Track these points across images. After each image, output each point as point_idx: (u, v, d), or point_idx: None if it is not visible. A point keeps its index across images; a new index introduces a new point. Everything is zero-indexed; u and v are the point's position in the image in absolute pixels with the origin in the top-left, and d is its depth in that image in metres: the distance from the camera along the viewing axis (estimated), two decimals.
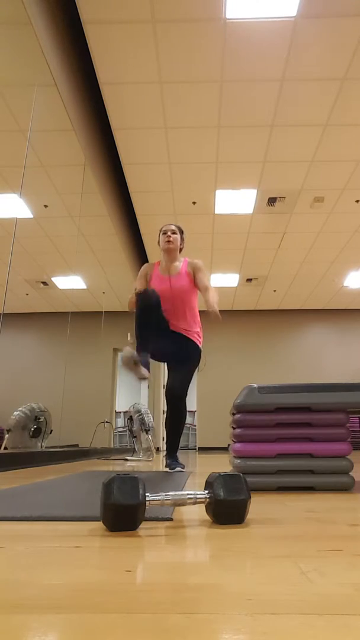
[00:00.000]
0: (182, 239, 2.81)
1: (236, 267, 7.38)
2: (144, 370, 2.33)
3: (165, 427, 2.65)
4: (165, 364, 2.84)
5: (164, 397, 8.68)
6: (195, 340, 2.67)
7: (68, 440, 8.28)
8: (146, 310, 2.41)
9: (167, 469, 2.52)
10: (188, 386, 2.62)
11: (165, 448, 2.72)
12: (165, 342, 2.61)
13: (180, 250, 2.81)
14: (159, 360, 2.74)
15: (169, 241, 2.71)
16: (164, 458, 2.71)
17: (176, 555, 0.67)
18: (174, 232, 2.75)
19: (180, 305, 2.65)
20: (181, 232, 2.81)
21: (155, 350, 2.57)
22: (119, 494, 0.82)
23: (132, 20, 3.17)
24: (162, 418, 8.60)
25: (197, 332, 2.70)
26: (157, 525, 0.91)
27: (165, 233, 2.74)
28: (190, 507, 1.13)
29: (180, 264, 2.75)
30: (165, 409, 2.67)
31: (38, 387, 9.11)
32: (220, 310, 9.50)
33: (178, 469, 2.47)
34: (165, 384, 2.73)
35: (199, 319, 2.76)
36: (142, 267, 2.82)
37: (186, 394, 2.62)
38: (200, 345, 2.70)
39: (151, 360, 2.58)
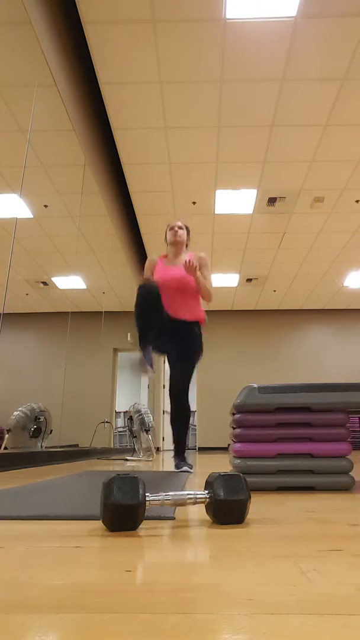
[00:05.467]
0: (188, 236, 2.95)
1: (236, 267, 7.38)
2: (147, 368, 2.35)
3: (171, 425, 2.65)
4: (166, 358, 2.84)
5: (166, 397, 8.69)
6: (197, 329, 2.69)
7: (68, 440, 8.28)
8: (145, 301, 2.40)
9: (174, 469, 2.49)
10: (190, 378, 2.62)
11: (173, 448, 2.71)
12: (166, 333, 2.60)
13: (187, 246, 2.94)
14: (162, 351, 2.72)
15: (176, 235, 2.85)
16: (172, 458, 2.71)
17: (176, 555, 0.67)
18: (180, 228, 2.89)
19: (182, 294, 2.67)
20: (188, 230, 2.96)
21: (157, 342, 2.57)
22: (119, 494, 0.82)
23: (132, 20, 3.17)
24: (162, 418, 8.60)
25: (198, 322, 2.72)
26: (157, 525, 0.91)
27: (172, 228, 2.88)
28: (190, 507, 1.13)
29: (186, 256, 2.85)
30: (170, 407, 2.67)
31: (38, 387, 9.11)
32: (220, 310, 9.51)
33: (185, 468, 2.45)
34: (167, 382, 2.75)
35: (201, 310, 2.77)
36: (148, 260, 2.89)
37: (188, 387, 2.61)
38: (201, 335, 2.71)
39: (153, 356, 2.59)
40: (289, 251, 6.74)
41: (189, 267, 2.51)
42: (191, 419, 11.65)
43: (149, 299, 2.40)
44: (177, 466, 2.51)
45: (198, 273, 2.60)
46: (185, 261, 2.52)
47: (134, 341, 9.46)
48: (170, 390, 2.61)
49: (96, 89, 3.93)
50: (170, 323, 2.62)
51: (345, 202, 5.40)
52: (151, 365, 2.38)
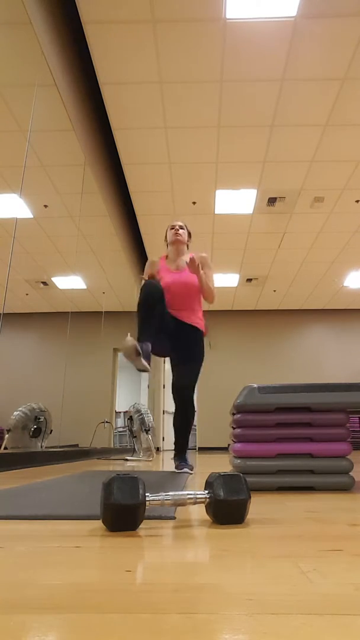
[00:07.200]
0: (189, 236, 2.96)
1: (236, 267, 7.38)
2: (144, 362, 2.26)
3: (174, 426, 2.63)
4: (169, 361, 2.81)
5: (166, 397, 8.69)
6: (200, 329, 2.69)
7: (68, 440, 8.27)
8: (149, 298, 2.39)
9: (175, 470, 2.49)
10: (195, 380, 2.61)
11: (173, 448, 2.70)
12: (167, 334, 2.59)
13: (187, 246, 2.93)
14: (163, 355, 2.71)
15: (177, 234, 2.83)
16: (172, 459, 2.68)
17: (176, 555, 0.67)
18: (181, 227, 2.89)
19: (185, 297, 2.68)
20: (189, 232, 2.97)
21: (159, 343, 2.55)
22: (119, 494, 0.82)
23: (132, 20, 3.17)
24: (162, 418, 8.60)
25: (200, 323, 2.73)
26: (157, 525, 0.91)
27: (173, 227, 2.87)
28: (190, 507, 1.13)
29: (187, 256, 2.85)
30: (175, 410, 2.67)
31: (38, 387, 9.11)
32: (220, 310, 9.50)
33: (186, 470, 2.45)
34: (171, 382, 2.72)
35: (203, 320, 2.79)
36: (148, 261, 2.86)
37: (193, 389, 2.60)
38: (203, 340, 2.72)
39: (152, 356, 2.56)
40: (289, 251, 6.74)
41: (192, 263, 2.51)
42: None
43: (154, 294, 2.39)
44: (177, 467, 2.51)
45: (201, 272, 2.60)
46: (190, 258, 2.53)
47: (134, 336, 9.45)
48: (175, 396, 2.59)
49: (96, 89, 3.93)
50: (173, 325, 2.61)
51: (345, 202, 5.40)
52: (147, 358, 2.31)
